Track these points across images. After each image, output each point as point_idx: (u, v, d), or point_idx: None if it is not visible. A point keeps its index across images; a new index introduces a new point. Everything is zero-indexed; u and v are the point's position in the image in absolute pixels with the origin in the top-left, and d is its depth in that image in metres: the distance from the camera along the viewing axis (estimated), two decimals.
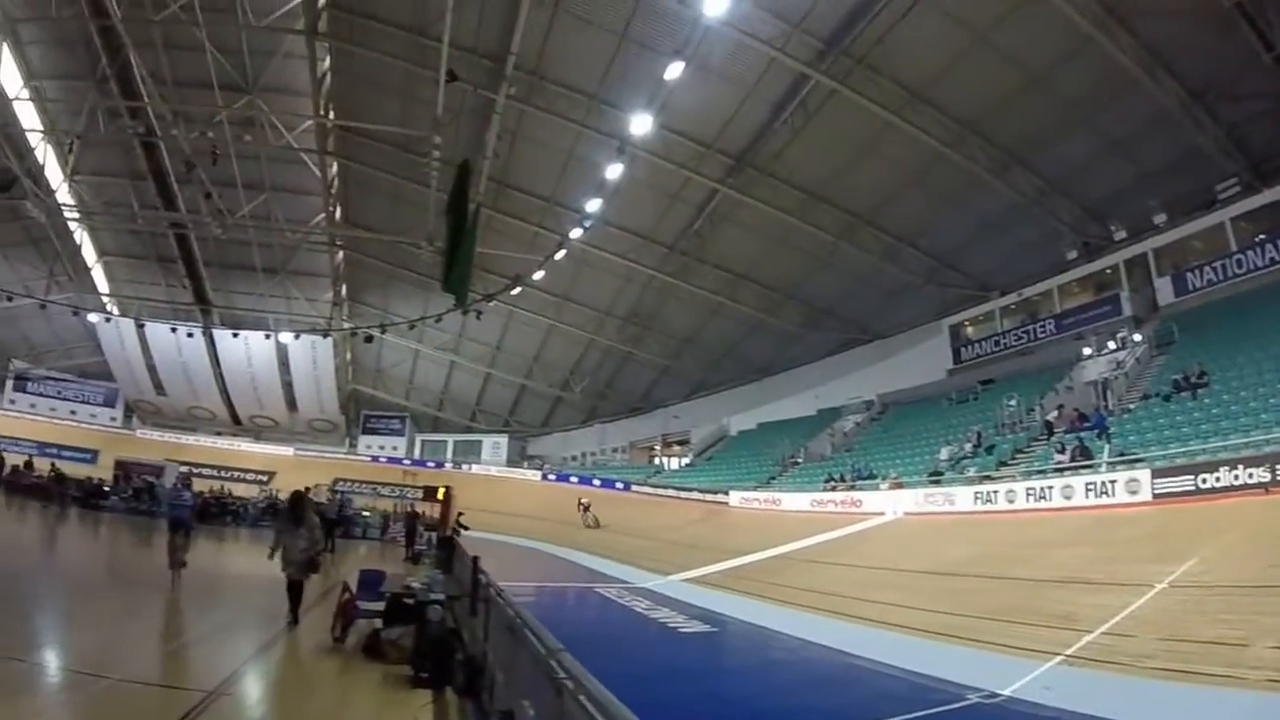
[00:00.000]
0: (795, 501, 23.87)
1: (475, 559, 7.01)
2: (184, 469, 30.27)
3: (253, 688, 5.95)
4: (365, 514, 26.87)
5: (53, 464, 27.53)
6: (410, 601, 7.32)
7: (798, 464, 27.08)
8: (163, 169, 25.33)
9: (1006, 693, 6.69)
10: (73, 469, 28.64)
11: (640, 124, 18.21)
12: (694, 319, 30.21)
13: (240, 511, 25.59)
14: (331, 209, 26.89)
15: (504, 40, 18.95)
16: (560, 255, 23.37)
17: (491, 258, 23.25)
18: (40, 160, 24.61)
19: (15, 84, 22.35)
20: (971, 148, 19.36)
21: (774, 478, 27.22)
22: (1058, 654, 7.39)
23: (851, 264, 24.41)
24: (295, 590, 8.52)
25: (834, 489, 22.62)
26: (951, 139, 19.14)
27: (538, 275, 24.94)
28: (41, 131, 23.91)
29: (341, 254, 31.09)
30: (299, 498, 9.22)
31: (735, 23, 16.63)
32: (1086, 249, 21.83)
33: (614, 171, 19.95)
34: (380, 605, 7.66)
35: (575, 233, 22.44)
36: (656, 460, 37.99)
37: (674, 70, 16.46)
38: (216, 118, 20.45)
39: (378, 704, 5.80)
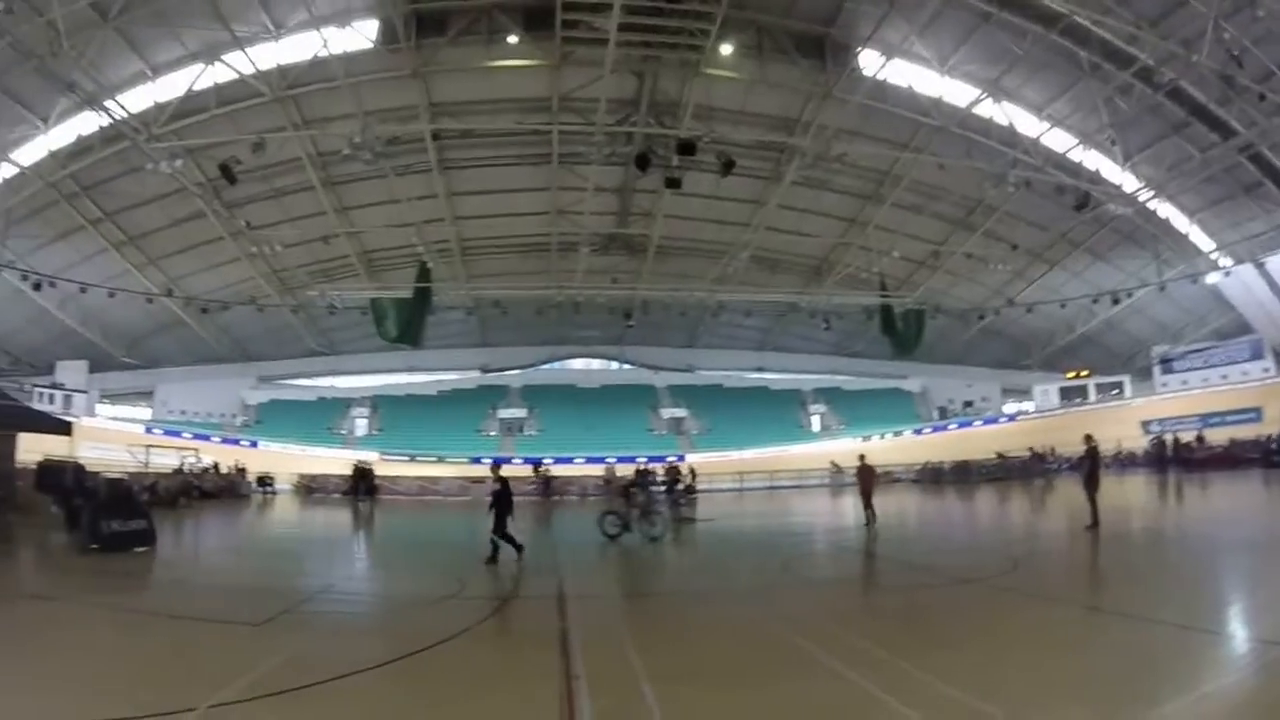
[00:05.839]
0: None
1: None
2: None
3: None
4: None
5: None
6: None
7: None
8: (1197, 104, 26.30)
9: None
10: (1238, 432, 30.88)
11: None
12: None
13: None
14: None
15: None
16: None
17: None
18: (1092, 167, 26.72)
19: (1032, 124, 25.95)
20: None
21: None
22: None
23: None
24: None
25: None
26: None
27: None
28: (1079, 144, 26.37)
29: None
30: None
31: None
32: None
33: None
34: None
35: None
36: None
37: None
38: None
39: None
